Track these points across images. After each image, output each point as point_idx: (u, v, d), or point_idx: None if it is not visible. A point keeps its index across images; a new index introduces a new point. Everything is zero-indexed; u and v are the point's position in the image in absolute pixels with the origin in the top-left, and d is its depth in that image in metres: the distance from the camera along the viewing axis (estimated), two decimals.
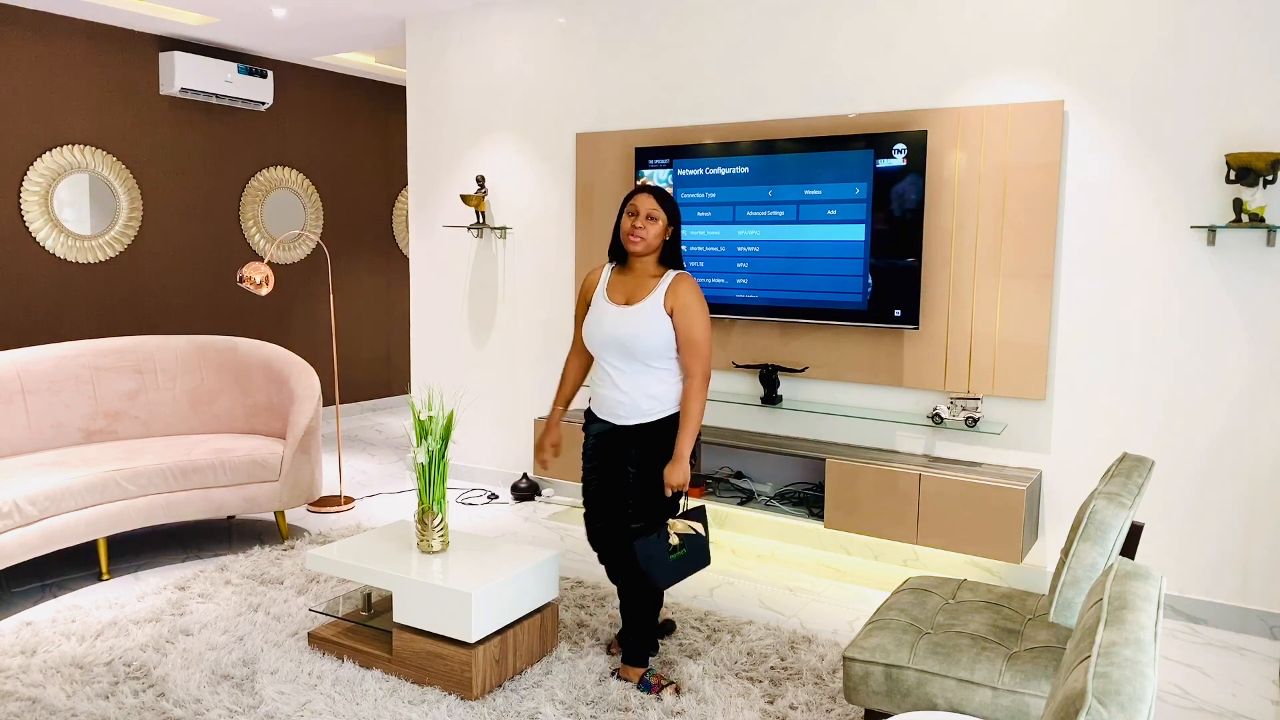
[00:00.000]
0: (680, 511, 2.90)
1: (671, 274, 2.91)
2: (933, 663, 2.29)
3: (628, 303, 2.91)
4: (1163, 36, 3.47)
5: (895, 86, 4.01)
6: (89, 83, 5.70)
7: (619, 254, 2.98)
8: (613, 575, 3.05)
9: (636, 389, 2.88)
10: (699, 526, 2.89)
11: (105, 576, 3.84)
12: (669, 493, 2.86)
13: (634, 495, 2.92)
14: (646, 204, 2.88)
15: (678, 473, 2.83)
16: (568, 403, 3.15)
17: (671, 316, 2.84)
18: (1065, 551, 2.18)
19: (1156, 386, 3.58)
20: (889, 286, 3.94)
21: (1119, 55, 3.55)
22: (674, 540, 2.84)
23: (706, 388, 2.87)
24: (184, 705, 2.79)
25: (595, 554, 3.15)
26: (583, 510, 3.10)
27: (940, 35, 3.90)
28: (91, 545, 3.90)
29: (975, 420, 3.82)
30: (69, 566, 3.95)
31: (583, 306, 3.04)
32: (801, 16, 4.21)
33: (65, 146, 5.60)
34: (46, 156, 5.52)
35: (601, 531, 3.03)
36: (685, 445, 2.83)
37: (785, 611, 3.64)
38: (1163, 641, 3.37)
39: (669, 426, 2.89)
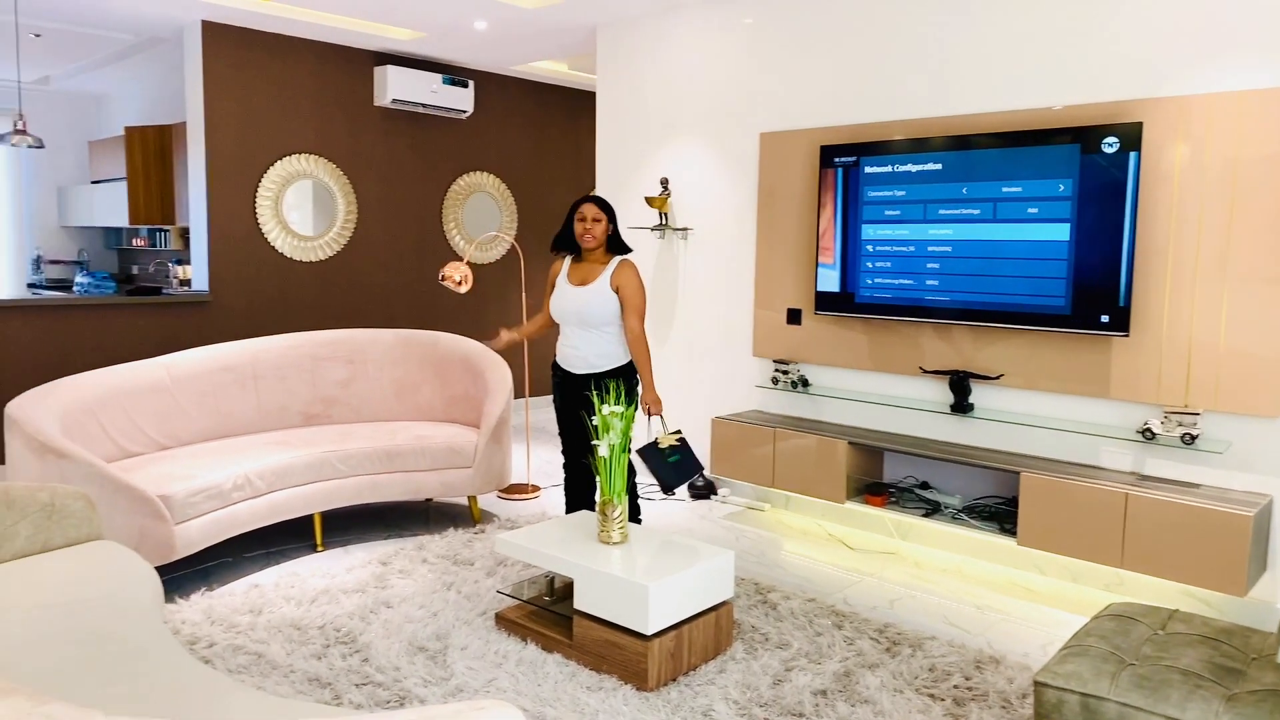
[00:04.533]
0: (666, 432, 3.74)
1: (616, 259, 3.79)
2: (1136, 696, 2.13)
3: (583, 284, 3.77)
4: None
5: (1105, 75, 3.73)
6: (314, 96, 6.25)
7: (571, 247, 3.85)
8: (580, 487, 3.96)
9: (589, 348, 3.78)
10: (682, 434, 3.75)
11: (319, 548, 4.21)
12: (648, 415, 3.76)
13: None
14: (591, 211, 3.75)
15: (653, 398, 3.76)
16: (526, 336, 4.08)
17: (617, 292, 3.72)
18: None
19: None
20: (1095, 290, 3.68)
21: None
22: (664, 446, 3.67)
23: (644, 330, 3.77)
24: (385, 671, 3.02)
25: (569, 474, 3.99)
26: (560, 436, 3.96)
27: (1157, 17, 3.59)
28: (308, 519, 4.27)
29: (1193, 437, 3.49)
30: (289, 537, 4.35)
31: (550, 288, 3.93)
32: (997, 3, 4.00)
33: (293, 155, 6.17)
34: (278, 164, 6.10)
35: (573, 450, 3.93)
36: (650, 376, 3.77)
37: (971, 629, 3.48)
38: None
39: (619, 373, 3.78)
